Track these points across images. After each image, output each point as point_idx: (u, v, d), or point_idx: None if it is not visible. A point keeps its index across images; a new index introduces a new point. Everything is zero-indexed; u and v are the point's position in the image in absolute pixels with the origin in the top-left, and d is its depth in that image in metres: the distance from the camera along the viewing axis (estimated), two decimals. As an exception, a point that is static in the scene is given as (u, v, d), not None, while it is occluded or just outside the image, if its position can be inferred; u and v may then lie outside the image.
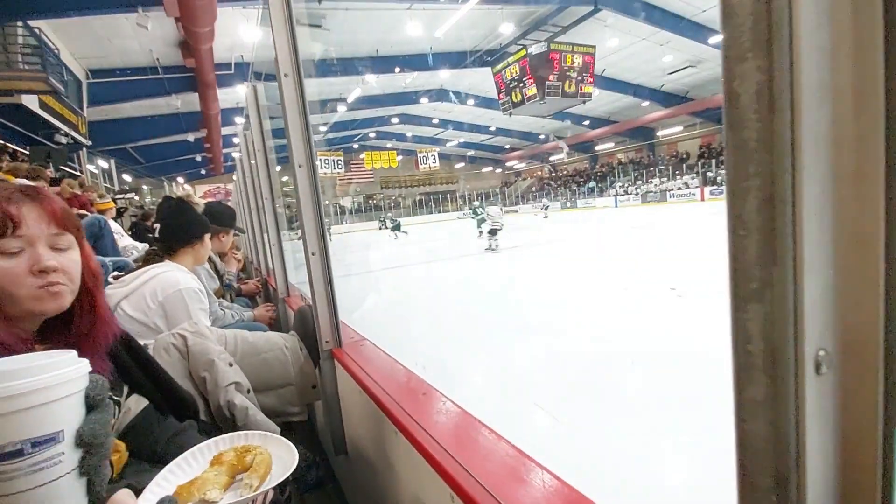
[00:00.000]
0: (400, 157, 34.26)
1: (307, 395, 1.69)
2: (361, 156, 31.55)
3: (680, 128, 28.72)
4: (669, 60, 20.43)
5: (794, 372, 0.23)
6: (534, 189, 39.72)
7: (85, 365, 0.49)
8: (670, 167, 28.00)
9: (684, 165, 26.82)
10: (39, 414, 0.42)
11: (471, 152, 41.63)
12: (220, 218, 2.61)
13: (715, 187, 22.74)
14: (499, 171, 46.37)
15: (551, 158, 39.86)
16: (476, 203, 18.71)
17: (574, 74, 15.86)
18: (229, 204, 5.10)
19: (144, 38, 11.26)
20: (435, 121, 30.37)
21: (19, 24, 8.35)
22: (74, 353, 0.50)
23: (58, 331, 0.75)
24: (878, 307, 0.24)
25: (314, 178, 1.34)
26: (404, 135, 34.26)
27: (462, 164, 44.12)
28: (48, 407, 0.42)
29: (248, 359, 1.60)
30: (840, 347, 0.25)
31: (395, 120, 28.66)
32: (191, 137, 18.86)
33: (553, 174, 41.27)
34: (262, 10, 10.43)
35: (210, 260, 2.66)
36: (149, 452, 0.96)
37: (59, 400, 0.44)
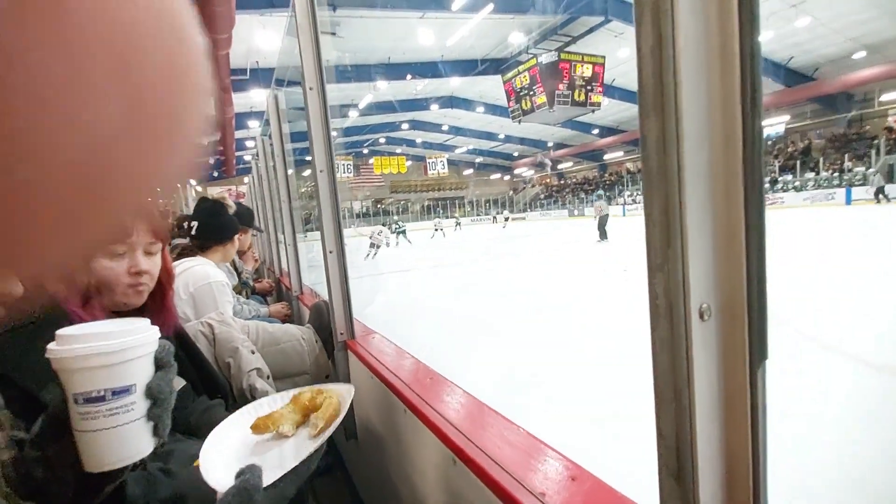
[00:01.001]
0: (409, 163, 34.60)
1: (321, 383, 1.81)
2: (371, 161, 31.90)
3: (689, 138, 28.64)
4: (679, 71, 20.52)
5: (684, 319, 0.36)
6: (542, 196, 39.81)
7: (156, 331, 0.58)
8: (679, 177, 28.00)
9: (693, 176, 26.76)
10: (120, 369, 0.51)
11: (479, 159, 41.89)
12: (241, 218, 2.76)
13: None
14: (507, 177, 46.59)
15: (559, 167, 39.99)
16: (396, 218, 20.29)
17: (583, 83, 16.03)
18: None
19: (164, 43, 11.56)
20: (444, 127, 30.68)
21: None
22: (147, 320, 0.59)
23: (132, 315, 0.90)
24: (741, 275, 0.36)
25: (334, 182, 1.48)
26: (414, 141, 34.61)
27: (471, 171, 44.41)
28: (127, 364, 0.52)
29: (268, 348, 1.73)
30: (718, 303, 0.37)
31: (405, 126, 28.99)
32: (204, 140, 19.21)
33: (561, 182, 41.37)
34: (286, 19, 10.69)
35: (230, 257, 2.81)
36: (184, 424, 1.10)
37: (135, 359, 0.53)
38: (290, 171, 2.71)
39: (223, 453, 0.71)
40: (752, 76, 0.35)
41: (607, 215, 13.94)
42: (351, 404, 1.63)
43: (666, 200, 0.35)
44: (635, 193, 30.45)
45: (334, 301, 1.54)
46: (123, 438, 0.52)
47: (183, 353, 1.16)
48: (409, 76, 17.65)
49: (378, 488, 1.53)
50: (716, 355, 0.37)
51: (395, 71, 17.30)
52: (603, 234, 13.60)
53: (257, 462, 0.63)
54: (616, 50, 17.89)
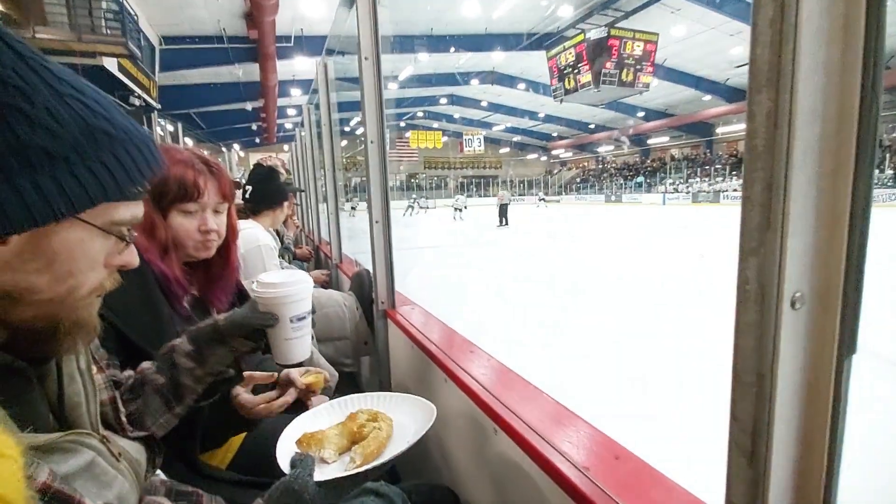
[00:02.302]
0: (445, 138, 34.26)
1: (359, 349, 1.88)
2: (407, 134, 31.77)
3: (743, 125, 27.02)
4: (738, 53, 19.20)
5: (775, 306, 0.35)
6: (578, 180, 38.76)
7: (311, 279, 0.82)
8: (728, 166, 26.59)
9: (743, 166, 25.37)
10: (308, 301, 0.79)
11: (517, 138, 40.99)
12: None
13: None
14: (544, 158, 45.52)
15: (599, 150, 38.66)
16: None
17: (633, 63, 15.27)
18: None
19: (213, 8, 11.79)
20: (484, 104, 30.08)
21: (104, -11, 8.96)
22: (304, 272, 0.84)
23: (199, 267, 0.96)
24: (840, 266, 0.35)
25: (384, 154, 1.49)
26: (452, 116, 34.16)
27: (507, 150, 43.61)
28: (308, 298, 0.79)
29: (312, 311, 1.79)
30: (812, 291, 0.36)
31: (443, 101, 28.58)
32: (248, 106, 19.66)
33: (601, 166, 40.07)
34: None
35: (273, 223, 2.91)
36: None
37: (309, 296, 0.80)
38: (341, 142, 2.74)
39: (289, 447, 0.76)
40: (876, 51, 0.33)
41: (507, 203, 16.76)
42: (389, 369, 1.69)
43: (770, 179, 0.34)
44: (677, 182, 29.21)
45: (377, 270, 1.58)
46: (306, 344, 0.81)
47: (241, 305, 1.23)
48: (451, 49, 17.29)
49: (412, 453, 1.58)
50: (803, 345, 0.37)
51: (437, 43, 16.97)
52: (503, 221, 16.18)
53: None
54: (671, 27, 16.85)
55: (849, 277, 0.35)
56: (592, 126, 34.36)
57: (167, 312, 0.86)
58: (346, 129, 25.60)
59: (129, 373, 0.72)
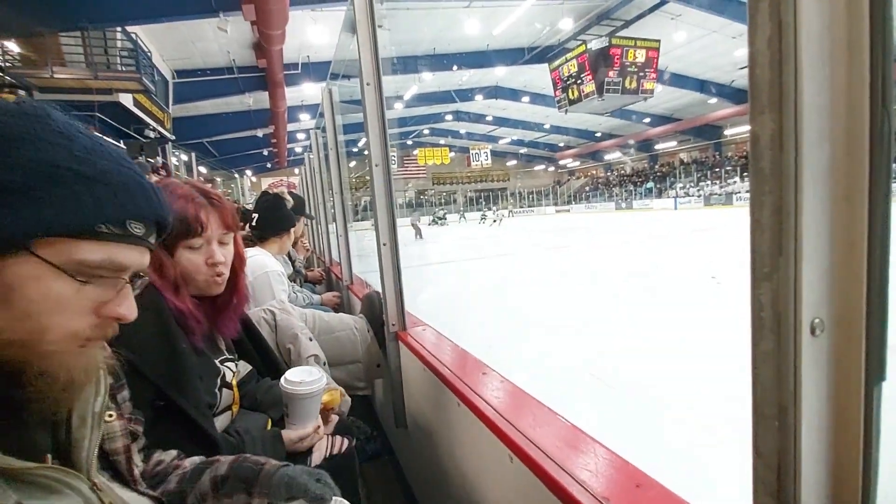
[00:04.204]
0: (453, 154, 34.55)
1: (372, 372, 1.87)
2: (415, 152, 32.11)
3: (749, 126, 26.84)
4: (742, 54, 19.08)
5: (794, 334, 0.33)
6: (587, 188, 38.62)
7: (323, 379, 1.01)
8: (738, 168, 26.26)
9: (755, 167, 25.07)
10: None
11: (523, 150, 41.16)
12: (294, 206, 2.88)
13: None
14: (551, 169, 45.54)
15: (607, 157, 38.61)
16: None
17: (635, 70, 15.31)
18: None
19: (223, 41, 12.17)
20: (489, 118, 30.35)
21: (118, 29, 9.33)
22: (321, 373, 1.01)
23: (207, 297, 0.97)
24: (861, 290, 0.33)
25: (388, 176, 1.50)
26: (458, 131, 34.49)
27: (514, 162, 43.76)
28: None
29: (324, 336, 1.79)
30: (832, 317, 0.34)
31: (448, 117, 28.91)
32: (259, 133, 20.10)
33: (609, 173, 39.94)
34: (341, 13, 10.92)
35: (284, 247, 2.94)
36: (251, 401, 1.16)
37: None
38: (349, 163, 2.77)
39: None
40: (883, 68, 0.31)
41: (418, 224, 19.60)
42: (402, 392, 1.67)
43: (779, 202, 0.32)
44: (688, 185, 28.92)
45: (387, 292, 1.57)
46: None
47: (247, 337, 1.23)
48: (454, 67, 17.55)
49: (428, 477, 1.56)
50: (826, 373, 0.35)
51: (440, 61, 17.25)
52: (418, 234, 18.71)
53: None
54: (672, 33, 16.90)
55: (871, 301, 0.33)
56: (599, 134, 34.36)
57: (184, 347, 0.87)
58: (355, 149, 26.09)
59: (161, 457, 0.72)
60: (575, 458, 0.77)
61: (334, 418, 0.97)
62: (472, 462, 1.10)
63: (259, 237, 1.94)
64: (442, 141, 36.38)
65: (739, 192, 23.87)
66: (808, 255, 0.32)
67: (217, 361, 1.03)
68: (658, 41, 15.28)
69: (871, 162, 0.32)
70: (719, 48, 18.53)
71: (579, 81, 15.76)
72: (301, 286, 3.10)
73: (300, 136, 23.49)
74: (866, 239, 0.33)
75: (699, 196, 26.57)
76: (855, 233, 0.33)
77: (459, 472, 1.19)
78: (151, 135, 10.78)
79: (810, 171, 0.32)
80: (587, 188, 40.35)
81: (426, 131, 33.47)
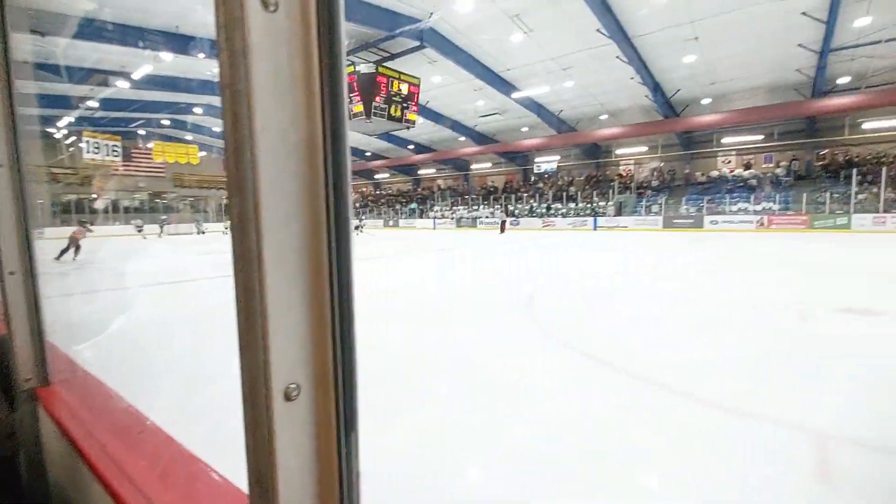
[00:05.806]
0: (203, 153, 30.12)
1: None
2: (150, 145, 26.45)
3: (489, 164, 33.24)
4: (482, 105, 23.48)
5: (265, 401, 0.35)
6: (357, 205, 39.98)
7: None
8: (480, 197, 31.90)
9: (491, 197, 30.94)
10: None
11: (294, 160, 39.30)
12: None
13: (513, 218, 26.94)
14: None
15: (376, 177, 40.98)
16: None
17: (400, 100, 16.79)
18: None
19: None
20: (254, 121, 27.72)
21: None
22: None
23: None
24: (329, 356, 0.38)
25: (20, 183, 1.13)
26: (210, 129, 30.26)
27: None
28: None
29: None
30: (310, 381, 0.37)
31: (198, 110, 25.09)
32: None
33: (379, 191, 42.43)
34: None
35: None
36: None
37: None
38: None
39: None
40: (336, 169, 0.36)
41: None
42: (45, 470, 1.26)
43: (249, 281, 0.33)
44: (442, 209, 33.39)
45: (16, 336, 1.17)
46: None
47: None
48: (200, 55, 15.44)
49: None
50: (311, 429, 0.38)
51: (182, 43, 14.87)
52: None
53: None
54: (431, 75, 19.36)
55: (337, 365, 0.38)
56: (369, 153, 36.14)
57: None
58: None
59: None
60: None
61: None
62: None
63: None
64: (188, 136, 31.20)
65: (482, 217, 28.96)
66: (274, 330, 0.34)
67: None
68: (418, 78, 17.18)
69: (329, 238, 0.36)
70: (466, 96, 22.21)
71: (349, 100, 16.23)
72: None
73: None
74: (330, 314, 0.37)
75: (452, 218, 30.96)
76: (321, 307, 0.37)
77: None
78: None
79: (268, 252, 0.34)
80: (357, 204, 41.76)
81: (165, 122, 28.14)
